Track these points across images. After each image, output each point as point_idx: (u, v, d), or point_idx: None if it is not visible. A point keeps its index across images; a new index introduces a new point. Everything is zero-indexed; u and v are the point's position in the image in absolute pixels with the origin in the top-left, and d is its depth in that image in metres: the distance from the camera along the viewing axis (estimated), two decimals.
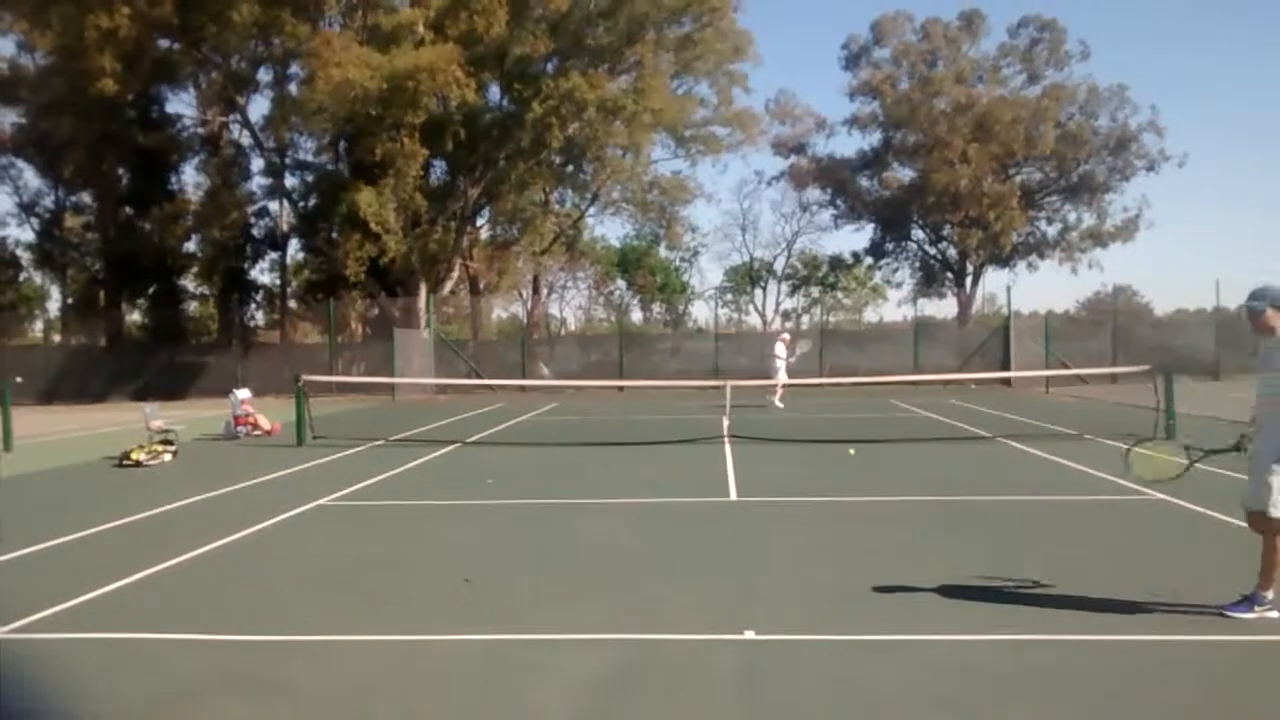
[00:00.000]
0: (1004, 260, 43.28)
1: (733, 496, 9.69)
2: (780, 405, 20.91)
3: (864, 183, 45.43)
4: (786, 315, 53.85)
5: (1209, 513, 8.13)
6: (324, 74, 26.51)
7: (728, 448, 13.59)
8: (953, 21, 43.10)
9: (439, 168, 33.07)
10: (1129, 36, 70.26)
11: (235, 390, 17.48)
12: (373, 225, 28.53)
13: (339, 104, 27.02)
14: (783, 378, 20.92)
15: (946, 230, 43.81)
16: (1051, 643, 4.84)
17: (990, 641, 4.85)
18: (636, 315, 50.45)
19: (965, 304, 43.41)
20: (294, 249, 38.87)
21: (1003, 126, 39.18)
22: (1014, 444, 13.71)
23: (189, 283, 39.94)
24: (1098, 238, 43.02)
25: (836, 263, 51.40)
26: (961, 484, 10.18)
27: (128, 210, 35.09)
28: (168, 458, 13.10)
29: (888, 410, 20.28)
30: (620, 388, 28.59)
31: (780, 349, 21.49)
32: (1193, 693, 4.20)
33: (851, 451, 9.91)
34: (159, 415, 15.27)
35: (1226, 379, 27.97)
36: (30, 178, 37.85)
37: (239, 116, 34.63)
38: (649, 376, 29.38)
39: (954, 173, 39.78)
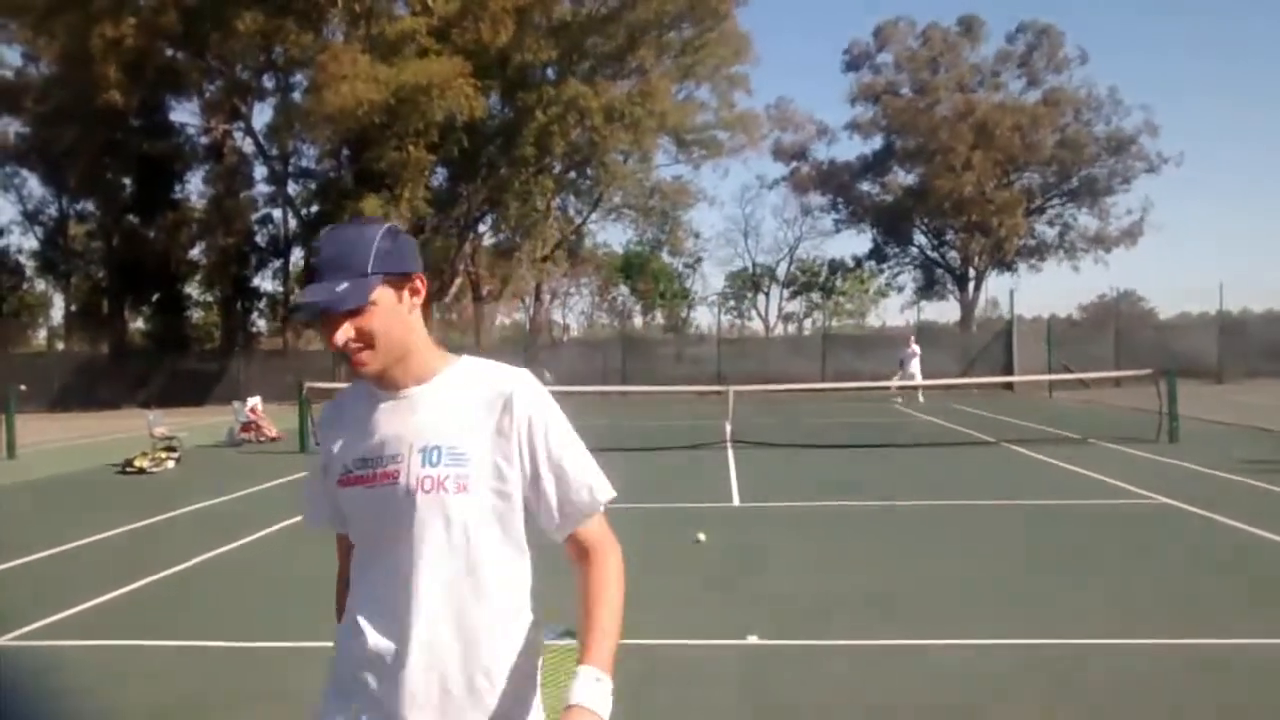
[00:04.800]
0: (1006, 264, 43.26)
1: (736, 502, 9.68)
2: (921, 399, 22.03)
3: (866, 187, 45.46)
4: (788, 319, 53.95)
5: (1215, 517, 8.10)
6: (331, 88, 26.55)
7: (730, 453, 13.58)
8: (952, 27, 43.19)
9: (441, 174, 33.13)
10: (1128, 37, 70.28)
11: (242, 400, 17.52)
12: None
13: (345, 117, 27.07)
14: (920, 376, 22.10)
15: (949, 235, 43.81)
16: (1061, 647, 4.82)
17: (999, 646, 4.83)
18: (639, 321, 50.48)
19: (968, 308, 43.37)
20: (297, 256, 38.96)
21: (1002, 133, 39.19)
22: (1017, 448, 13.68)
23: (193, 290, 40.05)
24: (1102, 241, 43.00)
25: (837, 267, 51.46)
26: (966, 489, 10.17)
27: (132, 218, 35.12)
28: (171, 464, 13.11)
29: (890, 415, 20.26)
30: (623, 393, 28.55)
31: (916, 348, 23.04)
32: (1204, 696, 4.19)
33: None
34: (162, 422, 15.28)
35: (1230, 381, 27.89)
36: (34, 186, 37.96)
37: (243, 124, 34.72)
38: (652, 382, 29.31)
39: (957, 179, 39.77)
